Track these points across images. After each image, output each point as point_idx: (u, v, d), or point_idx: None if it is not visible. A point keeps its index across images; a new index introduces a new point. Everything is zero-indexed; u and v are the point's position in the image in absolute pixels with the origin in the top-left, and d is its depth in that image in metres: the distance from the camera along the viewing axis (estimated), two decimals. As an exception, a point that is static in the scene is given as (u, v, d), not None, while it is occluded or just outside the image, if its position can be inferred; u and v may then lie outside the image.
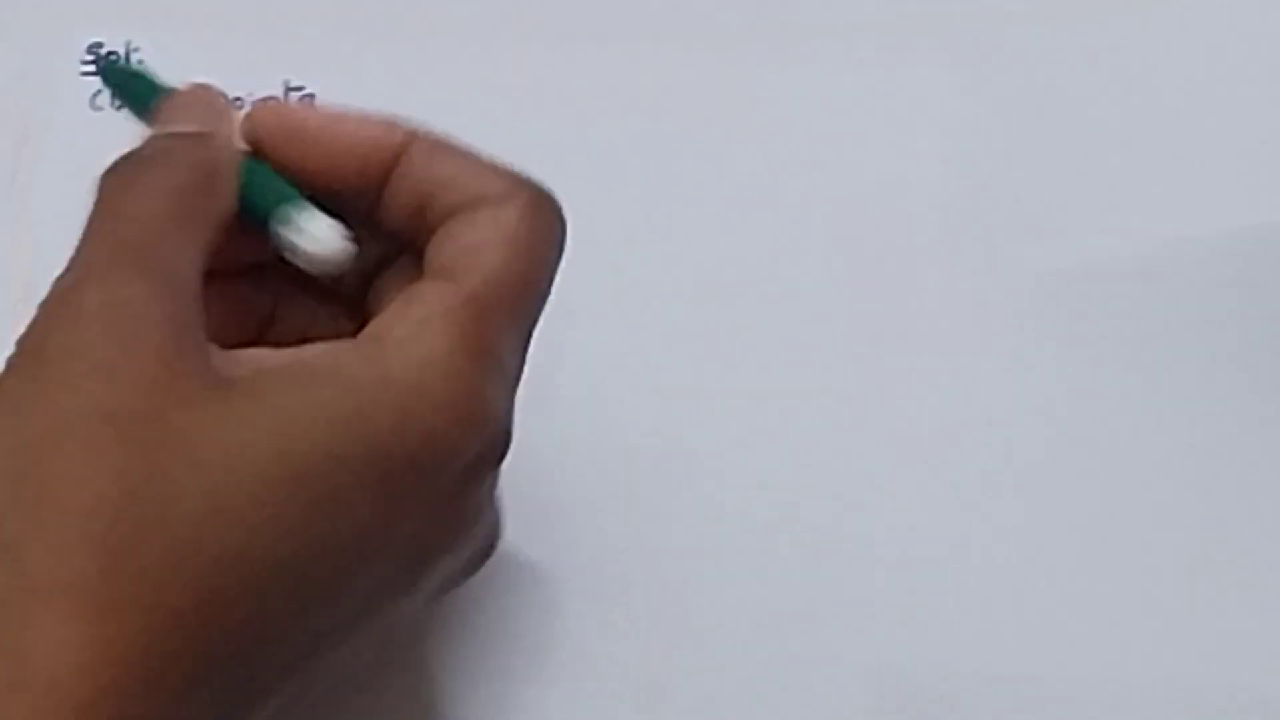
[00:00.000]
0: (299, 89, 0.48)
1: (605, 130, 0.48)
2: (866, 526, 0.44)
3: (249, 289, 0.38)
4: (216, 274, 0.35)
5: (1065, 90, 0.48)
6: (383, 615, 0.35)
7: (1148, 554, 0.44)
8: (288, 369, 0.33)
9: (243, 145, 0.37)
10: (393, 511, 0.33)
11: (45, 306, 0.33)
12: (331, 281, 0.38)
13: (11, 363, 0.33)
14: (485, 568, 0.39)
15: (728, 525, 0.44)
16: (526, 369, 0.37)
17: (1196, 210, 0.47)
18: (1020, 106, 0.48)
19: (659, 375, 0.46)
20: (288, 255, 0.36)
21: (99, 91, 0.47)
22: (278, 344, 0.35)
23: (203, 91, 0.37)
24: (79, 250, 0.34)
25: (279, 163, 0.36)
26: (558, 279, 0.37)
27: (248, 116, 0.37)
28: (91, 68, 0.48)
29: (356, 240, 0.36)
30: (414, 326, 0.34)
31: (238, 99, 0.44)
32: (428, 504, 0.34)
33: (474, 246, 0.35)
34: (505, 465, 0.36)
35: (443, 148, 0.36)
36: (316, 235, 0.35)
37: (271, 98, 0.47)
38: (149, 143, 0.36)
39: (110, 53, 0.48)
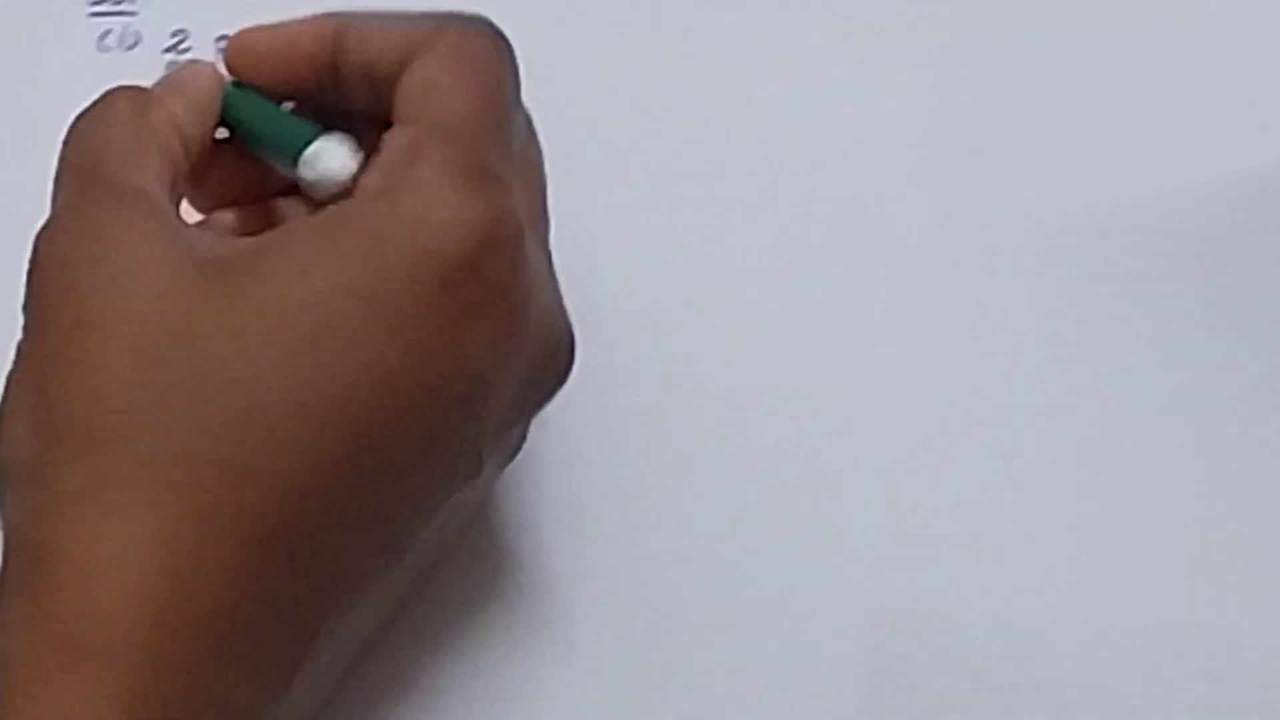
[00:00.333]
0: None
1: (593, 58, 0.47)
2: (860, 473, 0.45)
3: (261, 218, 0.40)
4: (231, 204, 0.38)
5: (1053, 33, 0.48)
6: (450, 457, 0.36)
7: (1146, 497, 0.45)
8: (289, 232, 0.35)
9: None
10: (429, 332, 0.34)
11: (35, 257, 0.36)
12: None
13: (26, 326, 0.36)
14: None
15: (722, 475, 0.45)
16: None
17: (1188, 155, 0.47)
18: (1007, 50, 0.48)
19: (650, 313, 0.46)
20: (307, 188, 0.38)
21: (107, 32, 0.48)
22: None
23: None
24: (53, 195, 0.37)
25: (259, 86, 0.39)
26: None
27: (224, 57, 0.39)
28: (99, 8, 0.48)
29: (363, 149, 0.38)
30: (393, 167, 0.36)
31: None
32: (463, 314, 0.35)
33: (423, 89, 0.37)
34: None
35: (370, 18, 0.38)
36: (332, 163, 0.38)
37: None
38: (102, 94, 0.38)
39: (117, -7, 0.48)
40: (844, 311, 0.46)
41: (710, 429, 0.45)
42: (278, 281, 0.34)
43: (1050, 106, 0.47)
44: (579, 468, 0.44)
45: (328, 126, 0.39)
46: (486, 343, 0.35)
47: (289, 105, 0.40)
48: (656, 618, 0.44)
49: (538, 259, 0.37)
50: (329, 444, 0.34)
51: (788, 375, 0.45)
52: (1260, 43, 0.48)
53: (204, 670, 0.33)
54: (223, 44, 0.41)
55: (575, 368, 0.39)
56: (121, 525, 0.33)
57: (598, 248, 0.45)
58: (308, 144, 0.38)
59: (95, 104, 0.38)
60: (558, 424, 0.44)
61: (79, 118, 0.37)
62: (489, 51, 0.38)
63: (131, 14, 0.49)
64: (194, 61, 0.40)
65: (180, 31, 0.48)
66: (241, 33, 0.39)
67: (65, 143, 0.37)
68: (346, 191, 0.38)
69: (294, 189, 0.40)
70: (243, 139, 0.40)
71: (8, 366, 0.36)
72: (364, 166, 0.38)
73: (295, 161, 0.38)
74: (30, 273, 0.36)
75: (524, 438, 0.40)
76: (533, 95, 0.39)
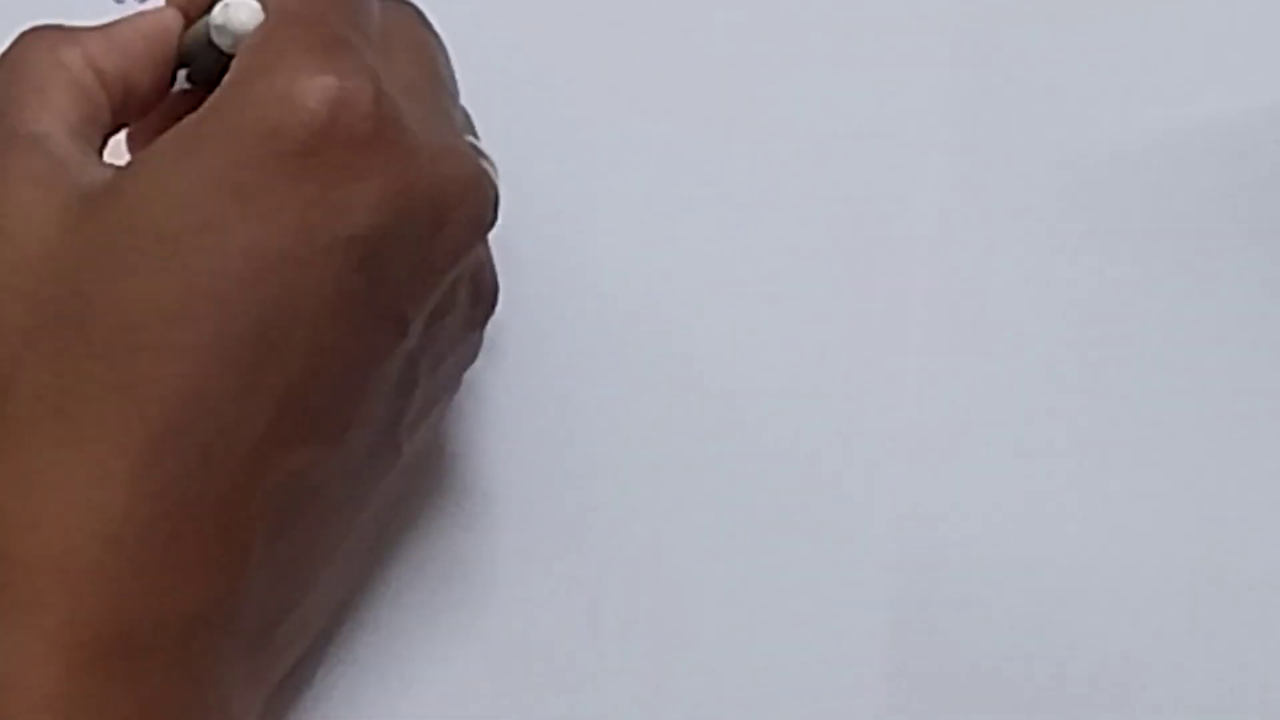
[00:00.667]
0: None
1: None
2: (885, 419, 0.44)
3: None
4: None
5: None
6: (359, 325, 0.36)
7: (1177, 439, 0.44)
8: (152, 147, 0.36)
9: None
10: (300, 204, 0.35)
11: None
12: None
13: None
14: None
15: (745, 424, 0.44)
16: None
17: (1220, 90, 0.46)
18: None
19: (660, 256, 0.45)
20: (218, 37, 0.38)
21: None
22: None
23: None
24: None
25: None
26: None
27: None
28: None
29: None
30: (242, 59, 0.36)
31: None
32: (331, 180, 0.35)
33: None
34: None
35: None
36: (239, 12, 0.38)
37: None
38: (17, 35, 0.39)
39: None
40: (872, 251, 0.46)
41: (734, 382, 0.45)
42: (141, 194, 0.35)
43: (1086, 38, 0.47)
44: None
45: None
46: (366, 203, 0.35)
47: None
48: (682, 580, 0.44)
49: (417, 114, 0.37)
50: (218, 338, 0.34)
51: (813, 326, 0.45)
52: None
53: (132, 583, 0.34)
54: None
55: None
56: (18, 469, 0.34)
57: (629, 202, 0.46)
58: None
59: (9, 47, 0.38)
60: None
61: None
62: None
63: (146, -38, 0.48)
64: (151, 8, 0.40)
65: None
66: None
67: None
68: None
69: None
70: (192, 77, 0.40)
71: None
72: None
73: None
74: None
75: (479, 341, 0.41)
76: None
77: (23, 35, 0.38)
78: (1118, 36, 0.46)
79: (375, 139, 0.35)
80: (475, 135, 0.41)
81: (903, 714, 0.43)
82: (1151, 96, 0.46)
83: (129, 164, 0.36)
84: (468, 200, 0.37)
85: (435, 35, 0.40)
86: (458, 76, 0.41)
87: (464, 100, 0.41)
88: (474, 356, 0.42)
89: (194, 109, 0.37)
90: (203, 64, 0.39)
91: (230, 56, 0.37)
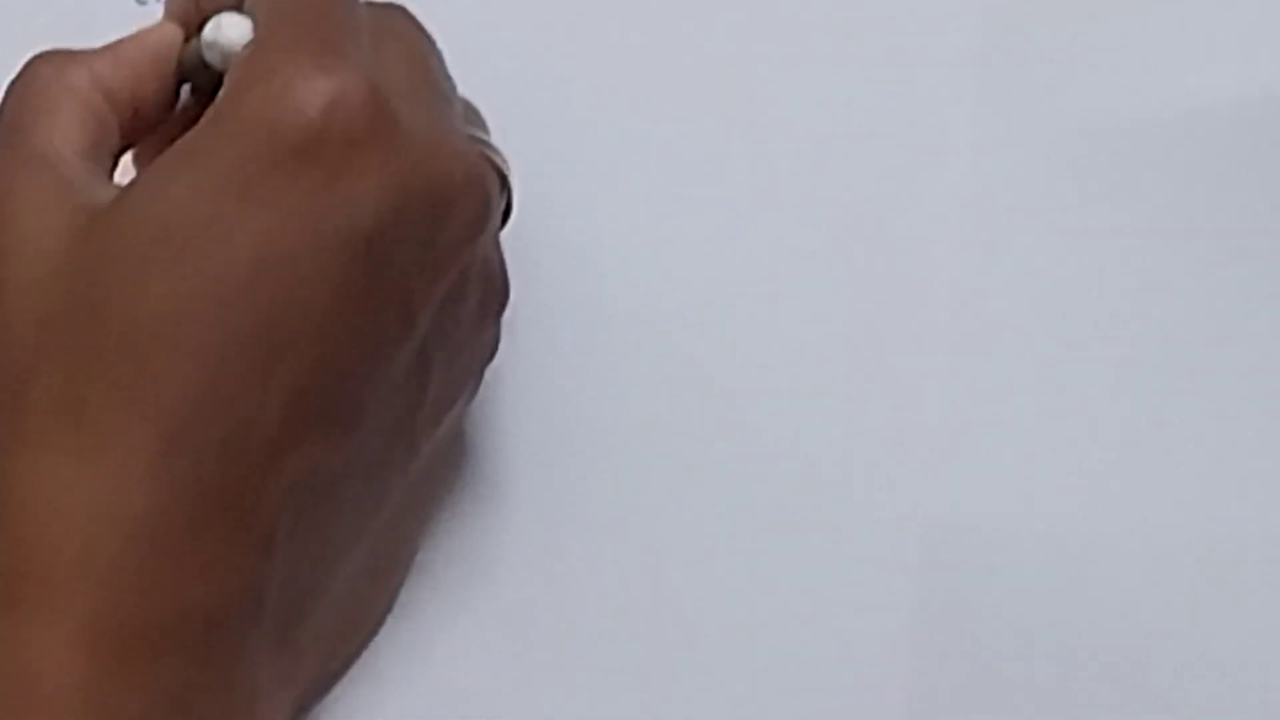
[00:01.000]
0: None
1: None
2: (908, 384, 0.44)
3: None
4: None
5: None
6: (368, 315, 0.36)
7: (1197, 407, 0.44)
8: (158, 161, 0.37)
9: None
10: (301, 200, 0.35)
11: None
12: None
13: None
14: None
15: (767, 419, 0.44)
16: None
17: (1248, 64, 0.46)
18: None
19: (681, 236, 0.46)
20: (209, 54, 0.39)
21: None
22: None
23: None
24: None
25: None
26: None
27: None
28: None
29: None
30: (238, 69, 0.37)
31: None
32: (331, 176, 0.36)
33: (250, 5, 0.38)
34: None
35: None
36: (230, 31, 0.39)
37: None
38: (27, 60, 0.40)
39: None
40: (891, 218, 0.45)
41: (755, 375, 0.45)
42: (146, 202, 0.36)
43: (1112, 6, 0.46)
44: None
45: None
46: (366, 198, 0.36)
47: None
48: (705, 580, 0.44)
49: (412, 111, 0.37)
50: (226, 336, 0.35)
51: (836, 313, 0.45)
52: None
53: (152, 578, 0.34)
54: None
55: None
56: (36, 475, 0.35)
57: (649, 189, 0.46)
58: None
59: (19, 72, 0.39)
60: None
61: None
62: None
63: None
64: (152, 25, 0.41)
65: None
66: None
67: None
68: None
69: None
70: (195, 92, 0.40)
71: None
72: None
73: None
74: None
75: (496, 335, 0.41)
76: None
77: (31, 60, 0.39)
78: (1144, 13, 0.46)
79: (371, 136, 0.36)
80: (485, 129, 0.42)
81: (927, 709, 0.43)
82: (1178, 72, 0.46)
83: (134, 179, 0.37)
84: (468, 193, 0.38)
85: (425, 34, 0.41)
86: (472, 73, 0.42)
87: (474, 99, 0.42)
88: (493, 352, 0.42)
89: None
90: (201, 79, 0.40)
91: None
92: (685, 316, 0.45)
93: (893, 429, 0.44)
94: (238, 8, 0.39)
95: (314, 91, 0.36)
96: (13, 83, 0.39)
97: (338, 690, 0.42)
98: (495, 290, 0.41)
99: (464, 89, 0.41)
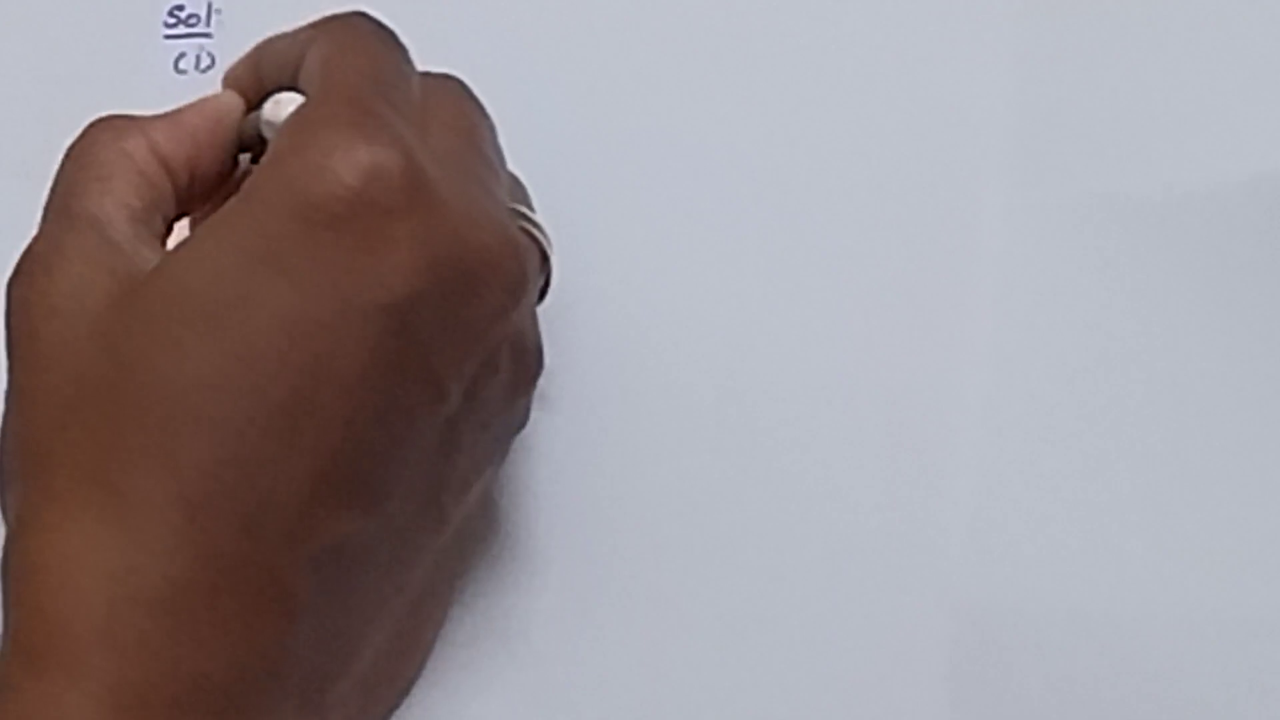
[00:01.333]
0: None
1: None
2: (938, 462, 0.44)
3: None
4: None
5: (1142, 9, 0.46)
6: (397, 389, 0.36)
7: (1233, 486, 0.43)
8: (198, 229, 0.37)
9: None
10: (333, 273, 0.35)
11: (6, 298, 0.38)
12: None
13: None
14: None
15: (797, 464, 0.44)
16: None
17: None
18: (1095, 26, 0.46)
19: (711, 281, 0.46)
20: (268, 132, 0.40)
21: (182, 55, 0.49)
22: None
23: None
24: None
25: None
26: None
27: None
28: (174, 31, 0.49)
29: None
30: (281, 137, 0.37)
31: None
32: (363, 248, 0.36)
33: (310, 67, 0.39)
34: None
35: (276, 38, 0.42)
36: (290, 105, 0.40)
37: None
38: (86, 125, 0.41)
39: (191, 15, 0.49)
40: (921, 287, 0.45)
41: (790, 429, 0.45)
42: (181, 270, 0.36)
43: (1143, 82, 0.46)
44: (614, 466, 0.45)
45: None
46: (399, 271, 0.36)
47: None
48: (727, 598, 0.44)
49: (453, 184, 0.37)
50: (255, 408, 0.35)
51: (873, 359, 0.45)
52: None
53: (176, 648, 0.35)
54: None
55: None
56: (61, 538, 0.35)
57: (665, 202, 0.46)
58: None
59: (78, 136, 0.40)
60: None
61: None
62: (363, 26, 0.40)
63: (207, 35, 0.49)
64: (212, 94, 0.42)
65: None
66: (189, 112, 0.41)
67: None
68: None
69: None
70: (254, 160, 0.41)
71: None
72: None
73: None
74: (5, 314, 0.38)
75: (527, 406, 0.41)
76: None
77: (91, 125, 0.40)
78: (1183, 79, 0.46)
79: (407, 208, 0.36)
80: (529, 205, 0.42)
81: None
82: (1209, 142, 0.45)
83: (174, 247, 0.37)
84: (503, 266, 0.38)
85: (478, 105, 0.41)
86: (523, 147, 0.42)
87: (523, 173, 0.42)
88: (523, 423, 0.42)
89: None
90: (260, 151, 0.40)
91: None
92: (718, 394, 0.45)
93: (926, 511, 0.44)
94: (295, 78, 0.40)
95: (351, 161, 0.36)
96: (71, 146, 0.39)
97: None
98: (528, 364, 0.40)
99: (514, 163, 0.42)
